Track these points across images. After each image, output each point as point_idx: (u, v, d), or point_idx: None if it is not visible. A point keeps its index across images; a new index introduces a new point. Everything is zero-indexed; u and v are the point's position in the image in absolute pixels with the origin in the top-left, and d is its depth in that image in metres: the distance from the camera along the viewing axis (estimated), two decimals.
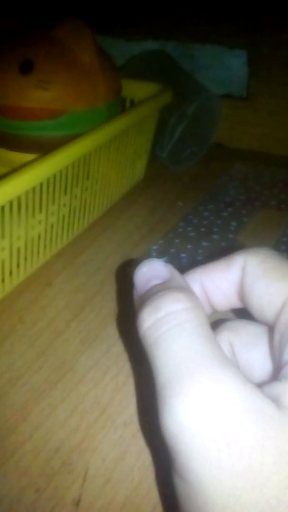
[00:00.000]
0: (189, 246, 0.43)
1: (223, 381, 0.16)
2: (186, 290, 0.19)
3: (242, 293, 0.20)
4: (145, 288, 0.20)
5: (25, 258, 0.38)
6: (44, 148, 0.37)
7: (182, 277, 0.21)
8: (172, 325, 0.17)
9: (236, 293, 0.20)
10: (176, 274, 0.20)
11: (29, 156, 0.41)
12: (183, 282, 0.20)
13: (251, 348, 0.21)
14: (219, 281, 0.21)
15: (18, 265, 0.37)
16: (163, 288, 0.19)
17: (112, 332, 0.35)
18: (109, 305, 0.37)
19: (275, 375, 0.17)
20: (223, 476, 0.14)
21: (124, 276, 0.40)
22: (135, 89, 0.51)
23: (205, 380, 0.16)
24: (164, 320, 0.17)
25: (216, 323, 0.23)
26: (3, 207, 0.32)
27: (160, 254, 0.42)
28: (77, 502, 0.24)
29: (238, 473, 0.14)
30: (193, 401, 0.15)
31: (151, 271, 0.20)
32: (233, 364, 0.17)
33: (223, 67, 0.61)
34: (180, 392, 0.16)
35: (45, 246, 0.40)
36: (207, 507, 0.15)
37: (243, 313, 0.21)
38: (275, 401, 0.15)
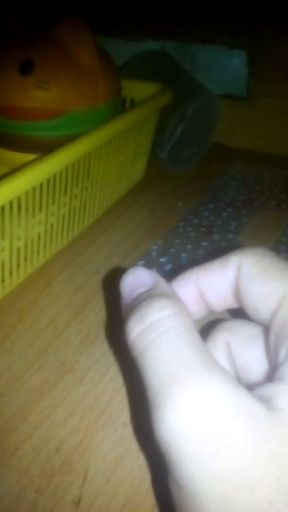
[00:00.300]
0: (189, 246, 0.43)
1: (211, 385, 0.16)
2: (170, 296, 0.19)
3: (237, 293, 0.20)
4: (131, 297, 0.20)
5: (25, 258, 0.38)
6: (44, 148, 0.37)
7: (167, 283, 0.21)
8: (158, 334, 0.17)
9: (232, 293, 0.20)
10: (160, 280, 0.21)
11: (29, 156, 0.41)
12: (167, 288, 0.20)
13: (248, 348, 0.21)
14: (214, 281, 0.21)
15: (18, 265, 0.37)
16: (148, 296, 0.19)
17: (112, 332, 0.35)
18: (109, 305, 0.37)
19: (271, 375, 0.17)
20: (215, 480, 0.14)
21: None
22: (135, 89, 0.51)
23: (194, 387, 0.16)
24: (150, 329, 0.18)
25: (213, 323, 0.23)
26: (3, 207, 0.32)
27: (160, 254, 0.42)
28: (77, 502, 0.24)
29: (230, 477, 0.14)
30: (183, 409, 0.15)
31: (136, 280, 0.21)
32: (221, 367, 0.17)
33: (223, 67, 0.61)
34: (170, 400, 0.16)
35: (45, 246, 0.40)
36: (201, 510, 0.15)
37: (239, 313, 0.21)
38: (268, 402, 0.15)
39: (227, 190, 0.53)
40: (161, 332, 0.17)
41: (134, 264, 0.41)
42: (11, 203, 0.33)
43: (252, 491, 0.14)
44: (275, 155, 0.61)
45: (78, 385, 0.30)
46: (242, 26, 0.58)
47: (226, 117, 0.61)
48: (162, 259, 0.41)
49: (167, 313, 0.18)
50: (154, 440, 0.16)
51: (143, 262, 0.41)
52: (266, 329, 0.19)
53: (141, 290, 0.20)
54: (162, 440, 0.16)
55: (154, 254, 0.42)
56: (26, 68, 0.40)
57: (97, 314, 0.36)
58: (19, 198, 0.34)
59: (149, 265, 0.40)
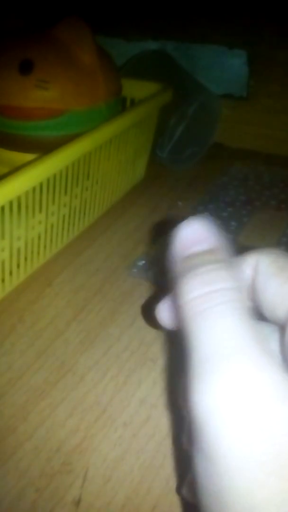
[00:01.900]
0: None
1: (264, 367, 0.15)
2: (235, 270, 0.18)
3: (253, 292, 0.20)
4: (186, 252, 0.19)
5: (25, 258, 0.38)
6: (44, 148, 0.37)
7: (228, 250, 0.20)
8: (220, 302, 0.17)
9: (247, 293, 0.20)
10: (223, 244, 0.19)
11: (29, 156, 0.41)
12: (230, 258, 0.19)
13: None
14: None
15: (18, 265, 0.37)
16: (212, 260, 0.18)
17: (112, 332, 0.35)
18: (109, 305, 0.37)
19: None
20: (252, 461, 0.14)
21: (124, 276, 0.40)
22: (135, 89, 0.51)
23: (248, 363, 0.15)
24: (212, 295, 0.17)
25: None
26: (3, 207, 0.32)
27: (160, 254, 0.42)
28: (77, 502, 0.24)
29: (267, 460, 0.14)
30: (233, 382, 0.15)
31: (197, 233, 0.19)
32: (272, 351, 0.17)
33: (223, 67, 0.61)
34: (220, 369, 0.16)
35: (45, 246, 0.40)
36: (230, 488, 0.15)
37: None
38: None
39: (227, 190, 0.53)
40: (223, 301, 0.17)
41: (134, 264, 0.41)
42: (11, 203, 0.33)
43: None
44: (275, 155, 0.61)
45: (78, 385, 0.30)
46: (242, 26, 0.58)
47: (226, 117, 0.61)
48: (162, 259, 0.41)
49: (231, 286, 0.17)
50: (188, 409, 0.16)
51: (143, 262, 0.41)
52: (282, 328, 0.19)
53: (199, 248, 0.19)
54: (200, 409, 0.15)
55: (154, 254, 0.42)
56: (25, 68, 0.40)
57: (97, 314, 0.36)
58: (19, 198, 0.34)
59: (149, 265, 0.40)
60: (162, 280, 0.39)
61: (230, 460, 0.15)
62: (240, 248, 0.21)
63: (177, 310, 0.18)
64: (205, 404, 0.15)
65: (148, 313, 0.36)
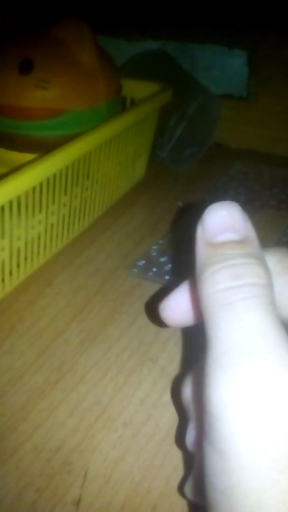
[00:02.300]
0: (189, 246, 0.43)
1: (284, 366, 0.15)
2: (265, 266, 0.18)
3: None
4: (218, 238, 0.18)
5: (25, 258, 0.38)
6: (44, 148, 0.37)
7: (259, 244, 0.19)
8: (250, 296, 0.17)
9: None
10: (254, 236, 0.19)
11: (29, 156, 0.41)
12: (262, 252, 0.19)
13: None
14: None
15: (18, 265, 0.37)
16: (243, 253, 0.18)
17: (112, 332, 0.35)
18: (109, 305, 0.37)
19: None
20: (265, 458, 0.14)
21: (124, 276, 0.40)
22: (135, 88, 0.51)
23: (269, 360, 0.15)
24: (242, 289, 0.17)
25: None
26: (3, 207, 0.32)
27: (160, 254, 0.42)
28: (77, 502, 0.24)
29: (281, 457, 0.14)
30: (251, 378, 0.15)
31: (229, 220, 0.18)
32: None
33: (223, 67, 0.61)
34: (240, 364, 0.15)
35: (45, 246, 0.40)
36: (241, 485, 0.15)
37: None
38: None
39: (227, 190, 0.52)
40: (253, 296, 0.17)
41: (134, 264, 0.40)
42: (11, 203, 0.33)
43: None
44: (275, 155, 0.61)
45: (78, 385, 0.30)
46: (242, 26, 0.58)
47: (226, 117, 0.61)
48: (162, 259, 0.41)
49: (262, 282, 0.17)
50: (203, 400, 0.16)
51: (143, 262, 0.41)
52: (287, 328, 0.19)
53: (231, 236, 0.18)
54: (216, 401, 0.15)
55: (154, 254, 0.42)
56: (25, 67, 0.40)
57: (97, 314, 0.36)
58: (19, 198, 0.34)
59: (149, 265, 0.40)
60: (163, 278, 0.39)
61: (242, 456, 0.15)
62: None
63: (200, 299, 0.18)
64: (221, 397, 0.15)
65: (151, 311, 0.36)
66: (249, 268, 0.17)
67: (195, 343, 0.33)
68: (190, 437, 0.21)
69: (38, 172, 0.34)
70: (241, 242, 0.18)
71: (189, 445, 0.21)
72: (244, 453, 0.15)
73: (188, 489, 0.22)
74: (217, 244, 0.18)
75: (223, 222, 0.18)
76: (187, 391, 0.22)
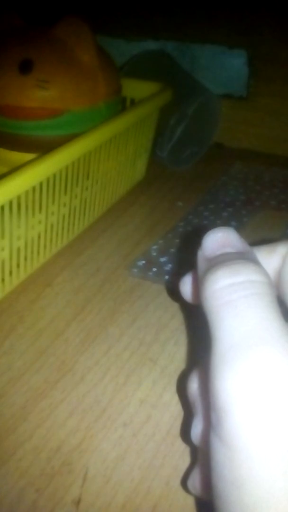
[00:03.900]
0: (189, 246, 0.43)
1: None
2: (263, 267, 0.19)
3: (279, 281, 0.20)
4: (215, 253, 0.19)
5: (25, 258, 0.38)
6: (44, 148, 0.37)
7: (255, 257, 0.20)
8: (250, 293, 0.17)
9: (274, 280, 0.20)
10: (251, 250, 0.20)
11: (29, 156, 0.41)
12: (258, 260, 0.20)
13: None
14: None
15: (18, 265, 0.37)
16: (241, 257, 0.19)
17: (112, 332, 0.35)
18: (109, 305, 0.37)
19: None
20: (273, 450, 0.14)
21: (124, 276, 0.40)
22: (135, 88, 0.51)
23: (274, 352, 0.15)
24: (242, 286, 0.17)
25: None
26: (3, 207, 0.32)
27: (160, 254, 0.42)
28: (77, 502, 0.24)
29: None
30: (257, 370, 0.15)
31: (226, 239, 0.20)
32: None
33: (223, 67, 0.61)
34: (245, 357, 0.16)
35: (45, 246, 0.40)
36: (250, 476, 0.15)
37: None
38: None
39: (227, 190, 0.52)
40: (253, 293, 0.17)
41: (134, 264, 0.40)
42: (11, 202, 0.33)
43: None
44: (275, 155, 0.61)
45: (78, 385, 0.30)
46: (242, 26, 0.58)
47: (226, 117, 0.61)
48: (162, 259, 0.41)
49: (261, 279, 0.18)
50: (210, 395, 0.16)
51: (143, 262, 0.41)
52: None
53: (228, 249, 0.19)
54: (223, 395, 0.15)
55: (154, 254, 0.42)
56: (25, 67, 0.40)
57: (97, 314, 0.36)
58: (19, 198, 0.34)
59: (149, 265, 0.40)
60: (163, 278, 0.39)
61: (251, 448, 0.15)
62: None
63: (202, 302, 0.18)
64: (228, 391, 0.15)
65: (151, 310, 0.36)
66: (247, 266, 0.18)
67: (195, 343, 0.33)
68: (195, 431, 0.21)
69: (38, 172, 0.34)
70: (239, 253, 0.19)
71: (195, 439, 0.22)
72: (253, 445, 0.15)
73: (191, 483, 0.22)
74: (216, 256, 0.19)
75: (220, 241, 0.20)
76: (194, 386, 0.22)
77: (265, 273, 0.18)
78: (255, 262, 0.19)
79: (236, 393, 0.15)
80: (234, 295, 0.17)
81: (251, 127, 0.63)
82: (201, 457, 0.22)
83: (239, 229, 0.46)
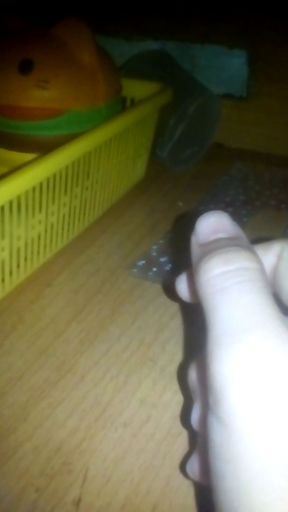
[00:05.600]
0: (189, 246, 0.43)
1: (283, 341, 0.16)
2: (255, 253, 0.19)
3: (274, 278, 0.21)
4: (209, 238, 0.20)
5: (25, 258, 0.38)
6: (44, 148, 0.37)
7: (247, 240, 0.20)
8: (243, 279, 0.17)
9: (269, 277, 0.21)
10: (243, 235, 0.20)
11: (29, 156, 0.41)
12: (250, 245, 0.20)
13: None
14: None
15: (18, 265, 0.37)
16: (233, 244, 0.19)
17: (112, 332, 0.35)
18: (109, 305, 0.37)
19: None
20: (267, 428, 0.15)
21: (124, 276, 0.40)
22: (135, 88, 0.51)
23: (268, 336, 0.16)
24: (235, 273, 0.18)
25: None
26: (3, 207, 0.32)
27: (160, 254, 0.42)
28: (77, 502, 0.24)
29: (283, 427, 0.15)
30: (252, 353, 0.16)
31: (218, 224, 0.20)
32: None
33: (223, 67, 0.61)
34: (240, 341, 0.16)
35: (45, 246, 0.40)
36: (246, 452, 0.15)
37: None
38: None
39: (227, 190, 0.52)
40: (246, 279, 0.17)
41: (134, 264, 0.40)
42: (11, 203, 0.33)
43: None
44: (275, 155, 0.61)
45: (78, 385, 0.30)
46: (242, 26, 0.58)
47: (226, 117, 0.61)
48: (162, 259, 0.41)
49: (254, 266, 0.18)
50: (207, 376, 0.17)
51: (143, 262, 0.41)
52: None
53: (221, 235, 0.20)
54: (219, 378, 0.16)
55: (154, 254, 0.42)
56: (25, 67, 0.40)
57: (97, 314, 0.36)
58: (19, 198, 0.34)
59: (149, 265, 0.40)
60: (163, 278, 0.39)
61: (246, 426, 0.15)
62: None
63: (197, 290, 0.18)
64: (224, 373, 0.16)
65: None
66: (240, 253, 0.18)
67: (195, 343, 0.33)
68: (195, 416, 0.22)
69: (38, 172, 0.34)
70: (231, 238, 0.20)
71: (194, 423, 0.22)
72: (249, 424, 0.15)
73: (190, 467, 0.22)
74: (209, 242, 0.20)
75: (213, 226, 0.20)
76: (193, 374, 0.23)
77: (257, 260, 0.18)
78: (247, 248, 0.19)
79: (232, 375, 0.16)
80: (228, 282, 0.17)
81: (251, 127, 0.63)
82: (200, 441, 0.22)
83: None
